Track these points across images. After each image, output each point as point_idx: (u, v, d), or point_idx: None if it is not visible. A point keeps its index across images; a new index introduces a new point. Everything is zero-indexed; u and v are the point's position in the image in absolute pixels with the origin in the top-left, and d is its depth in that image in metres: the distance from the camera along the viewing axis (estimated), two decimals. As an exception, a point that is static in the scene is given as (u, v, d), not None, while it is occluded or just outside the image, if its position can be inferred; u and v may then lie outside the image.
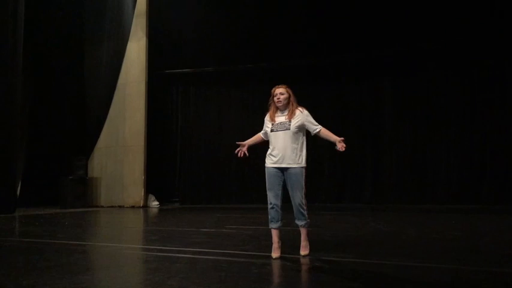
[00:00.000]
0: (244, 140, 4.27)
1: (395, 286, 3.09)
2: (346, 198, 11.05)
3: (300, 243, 4.11)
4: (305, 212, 3.98)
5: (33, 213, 9.39)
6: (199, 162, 12.28)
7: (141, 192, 11.34)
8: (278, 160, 3.99)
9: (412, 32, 10.29)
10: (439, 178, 10.46)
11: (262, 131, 4.24)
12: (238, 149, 4.23)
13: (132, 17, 11.71)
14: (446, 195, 10.23)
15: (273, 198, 4.01)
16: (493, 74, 10.06)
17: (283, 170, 4.00)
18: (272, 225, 4.05)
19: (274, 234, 4.06)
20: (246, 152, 4.20)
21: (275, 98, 4.07)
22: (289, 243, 4.33)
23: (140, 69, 11.61)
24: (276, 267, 3.73)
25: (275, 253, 4.01)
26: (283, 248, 4.08)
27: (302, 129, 4.03)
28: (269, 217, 4.05)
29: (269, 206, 4.04)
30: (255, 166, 11.07)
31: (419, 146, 10.70)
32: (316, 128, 4.05)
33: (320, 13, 10.93)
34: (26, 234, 6.30)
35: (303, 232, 4.08)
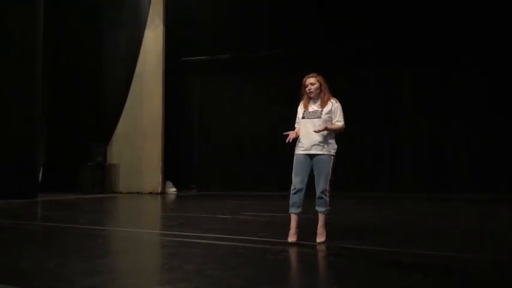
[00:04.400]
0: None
1: (409, 274, 3.08)
2: (362, 187, 10.96)
3: (316, 231, 4.09)
4: (327, 199, 4.00)
5: (54, 198, 9.60)
6: (216, 149, 12.34)
7: (159, 178, 11.46)
8: (307, 147, 4.02)
9: (431, 20, 10.08)
10: (457, 167, 10.28)
11: (296, 123, 4.21)
12: (289, 136, 4.06)
13: (149, 5, 11.73)
14: (465, 185, 10.05)
15: (298, 183, 4.03)
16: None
17: (311, 157, 4.03)
18: (292, 210, 4.08)
19: (293, 219, 4.09)
20: (296, 134, 4.07)
21: (306, 89, 4.09)
22: (305, 230, 4.33)
23: (157, 57, 11.64)
24: (292, 254, 3.75)
25: (291, 237, 4.04)
26: (299, 235, 4.08)
27: (332, 118, 4.03)
28: (290, 202, 4.08)
29: (292, 191, 4.06)
30: (272, 153, 11.17)
31: (437, 135, 10.52)
32: (337, 123, 4.02)
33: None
34: (48, 219, 6.46)
35: (321, 219, 4.07)
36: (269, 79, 11.76)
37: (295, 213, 4.08)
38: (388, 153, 10.92)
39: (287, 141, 4.06)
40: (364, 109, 11.03)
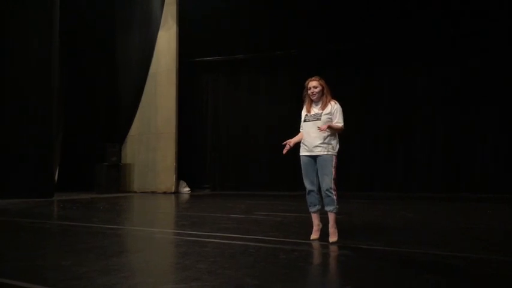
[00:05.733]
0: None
1: (423, 274, 3.06)
2: (376, 187, 10.90)
3: (328, 231, 4.12)
4: (334, 197, 4.04)
5: (70, 198, 9.73)
6: (229, 149, 12.39)
7: (173, 178, 11.56)
8: (309, 149, 4.12)
9: (444, 16, 10.02)
10: (473, 166, 10.16)
11: (300, 127, 4.29)
12: (285, 147, 4.18)
13: (163, 5, 11.82)
14: (482, 184, 9.93)
15: (308, 184, 4.18)
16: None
17: (314, 158, 4.12)
18: (310, 209, 4.25)
19: (314, 217, 4.26)
20: (290, 145, 4.17)
21: (309, 92, 4.16)
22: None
23: (171, 57, 11.73)
24: (304, 253, 3.75)
25: (314, 235, 4.23)
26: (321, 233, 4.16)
27: (332, 119, 4.09)
28: (307, 203, 4.24)
29: (306, 192, 4.22)
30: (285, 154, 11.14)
31: (452, 134, 10.40)
32: (337, 123, 4.06)
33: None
34: (64, 218, 6.56)
35: (331, 218, 4.12)
36: (282, 79, 11.76)
37: (313, 212, 4.23)
38: (401, 153, 10.83)
39: (284, 152, 4.17)
40: (377, 108, 10.97)
